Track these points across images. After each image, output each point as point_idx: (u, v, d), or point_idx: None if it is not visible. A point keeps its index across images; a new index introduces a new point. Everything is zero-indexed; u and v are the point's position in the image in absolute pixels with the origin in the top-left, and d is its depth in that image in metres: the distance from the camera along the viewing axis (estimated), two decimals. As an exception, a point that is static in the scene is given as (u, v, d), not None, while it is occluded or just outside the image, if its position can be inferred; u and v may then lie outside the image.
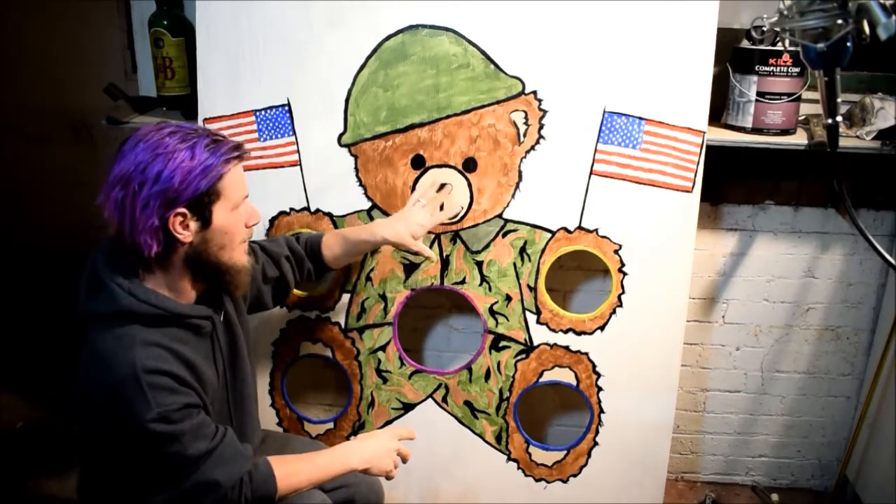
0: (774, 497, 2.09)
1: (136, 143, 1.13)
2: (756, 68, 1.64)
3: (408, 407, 1.80)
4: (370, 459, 1.33)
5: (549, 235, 1.67)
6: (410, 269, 1.71)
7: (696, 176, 1.61)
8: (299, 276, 1.54)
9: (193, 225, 1.14)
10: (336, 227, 1.69)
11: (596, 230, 1.66)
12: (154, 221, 1.10)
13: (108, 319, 1.13)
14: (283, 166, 1.67)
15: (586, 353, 1.73)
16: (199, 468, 1.15)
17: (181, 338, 1.18)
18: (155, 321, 1.15)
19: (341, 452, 1.33)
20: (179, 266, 1.18)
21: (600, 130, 1.60)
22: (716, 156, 1.66)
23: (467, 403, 1.78)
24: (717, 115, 1.73)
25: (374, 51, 1.59)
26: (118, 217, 1.12)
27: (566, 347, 1.73)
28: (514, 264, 1.69)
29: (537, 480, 1.82)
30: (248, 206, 1.24)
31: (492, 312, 1.72)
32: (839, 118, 1.21)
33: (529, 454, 1.81)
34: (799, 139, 1.68)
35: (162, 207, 1.10)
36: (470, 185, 1.65)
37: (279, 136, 1.65)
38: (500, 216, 1.66)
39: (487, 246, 1.69)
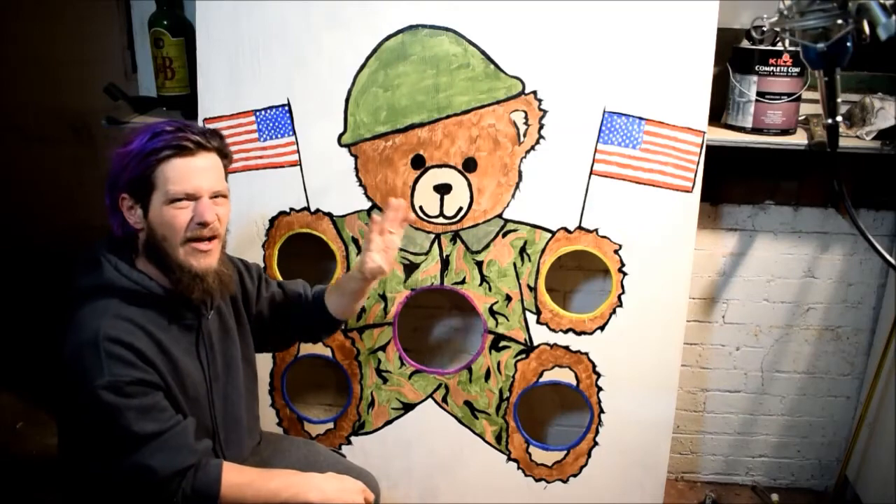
0: (774, 497, 2.10)
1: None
2: (756, 68, 1.64)
3: (408, 407, 1.80)
4: (331, 497, 1.26)
5: (549, 235, 1.67)
6: (410, 269, 1.71)
7: (696, 176, 1.61)
8: (302, 326, 1.52)
9: (138, 211, 1.20)
10: (336, 227, 1.70)
11: (596, 230, 1.66)
12: (107, 201, 1.21)
13: (93, 292, 1.18)
14: (283, 166, 1.67)
15: (586, 353, 1.73)
16: (139, 450, 1.14)
17: (161, 323, 1.20)
18: (135, 298, 1.18)
19: (299, 482, 1.27)
20: (143, 256, 1.22)
21: (600, 130, 1.60)
22: (716, 156, 1.66)
23: (467, 403, 1.78)
24: (717, 115, 1.73)
25: (374, 51, 1.59)
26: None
27: (566, 347, 1.73)
28: (514, 264, 1.69)
29: (537, 480, 1.82)
30: (201, 205, 1.20)
31: (492, 312, 1.72)
32: (839, 118, 1.21)
33: (529, 454, 1.81)
34: (799, 139, 1.68)
35: (111, 189, 1.20)
36: (470, 185, 1.65)
37: (279, 136, 1.65)
38: (500, 216, 1.66)
39: (487, 246, 1.69)
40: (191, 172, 1.19)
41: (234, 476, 1.22)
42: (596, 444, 1.79)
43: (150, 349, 1.16)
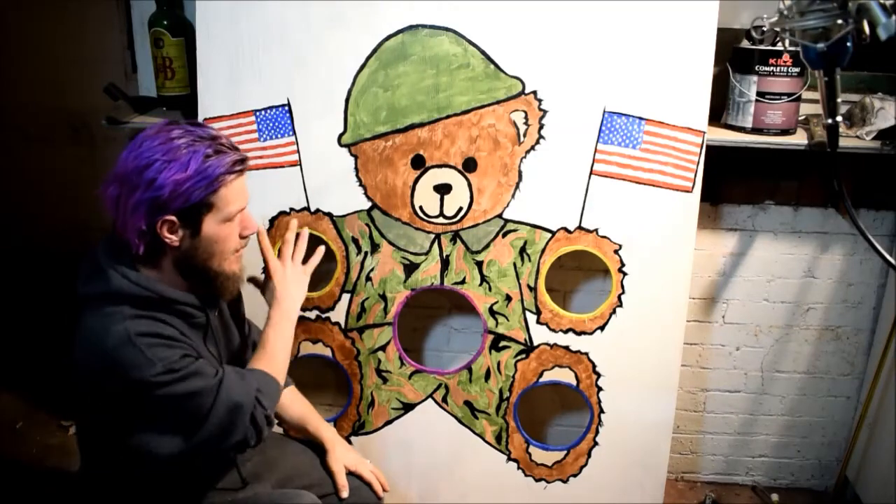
0: (774, 497, 2.10)
1: (141, 141, 1.16)
2: (756, 68, 1.64)
3: (408, 407, 1.80)
4: (300, 299, 1.43)
5: (549, 235, 1.67)
6: (410, 269, 1.71)
7: (696, 176, 1.61)
8: None
9: (182, 232, 1.17)
10: (336, 227, 1.70)
11: (596, 230, 1.66)
12: (142, 225, 1.14)
13: (101, 300, 1.16)
14: (283, 166, 1.67)
15: (586, 353, 1.73)
16: (217, 398, 1.18)
17: (172, 323, 1.20)
18: (145, 304, 1.17)
19: (280, 316, 1.39)
20: (169, 266, 1.20)
21: (600, 130, 1.60)
22: (716, 156, 1.66)
23: (467, 403, 1.78)
24: (717, 115, 1.73)
25: (374, 51, 1.59)
26: (112, 213, 1.17)
27: (566, 347, 1.73)
28: (514, 264, 1.69)
29: (537, 480, 1.82)
30: (246, 215, 1.24)
31: (492, 312, 1.72)
32: (839, 118, 1.21)
33: (529, 454, 1.81)
34: (799, 139, 1.68)
35: (150, 213, 1.13)
36: (470, 185, 1.65)
37: (279, 135, 1.65)
38: (500, 216, 1.66)
39: (487, 246, 1.69)
40: (243, 189, 1.22)
41: (269, 367, 1.32)
42: (596, 444, 1.79)
43: (176, 334, 1.18)
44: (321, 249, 1.53)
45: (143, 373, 1.10)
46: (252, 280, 1.48)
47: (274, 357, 1.35)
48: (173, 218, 1.14)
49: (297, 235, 1.51)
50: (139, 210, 1.13)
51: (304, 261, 1.51)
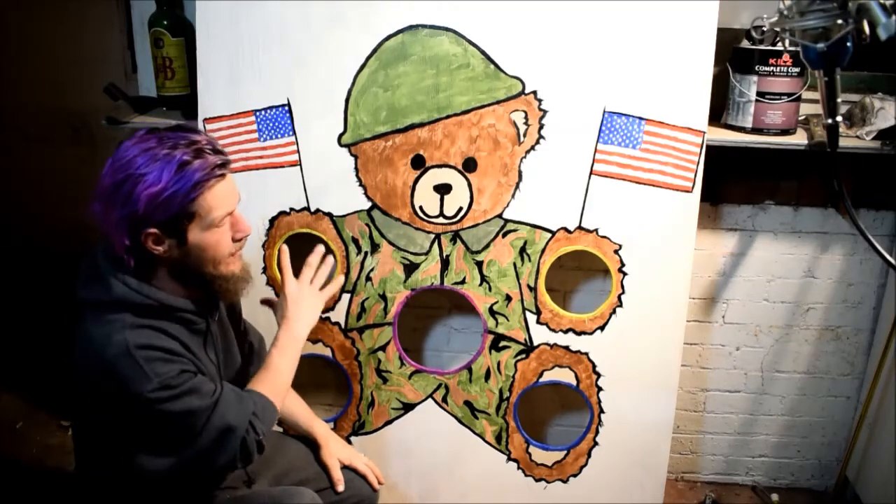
0: (774, 497, 2.10)
1: (120, 155, 1.13)
2: (756, 68, 1.64)
3: (408, 407, 1.80)
4: (311, 322, 1.40)
5: (549, 235, 1.67)
6: (410, 269, 1.71)
7: (696, 176, 1.61)
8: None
9: (168, 242, 1.15)
10: (336, 227, 1.70)
11: (596, 230, 1.66)
12: (125, 241, 1.13)
13: (101, 307, 1.15)
14: (283, 166, 1.67)
15: (586, 353, 1.73)
16: (211, 418, 1.17)
17: (173, 330, 1.20)
18: (146, 311, 1.16)
19: (289, 338, 1.37)
20: (164, 274, 1.20)
21: (600, 130, 1.60)
22: (716, 156, 1.66)
23: (467, 403, 1.78)
24: (717, 115, 1.73)
25: (374, 51, 1.59)
26: (102, 228, 1.16)
27: (566, 347, 1.73)
28: (514, 264, 1.69)
29: (537, 480, 1.82)
30: (237, 218, 1.22)
31: (492, 312, 1.72)
32: (839, 118, 1.21)
33: (529, 454, 1.81)
34: (799, 139, 1.68)
35: (132, 228, 1.12)
36: (470, 185, 1.65)
37: (279, 135, 1.65)
38: (500, 216, 1.66)
39: (487, 246, 1.69)
40: (228, 192, 1.19)
41: (268, 388, 1.30)
42: (596, 444, 1.79)
43: (177, 347, 1.17)
44: (341, 279, 1.53)
45: (139, 387, 1.10)
46: (266, 301, 1.49)
47: (276, 379, 1.33)
48: (156, 230, 1.12)
49: (322, 260, 1.48)
50: (121, 227, 1.12)
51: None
